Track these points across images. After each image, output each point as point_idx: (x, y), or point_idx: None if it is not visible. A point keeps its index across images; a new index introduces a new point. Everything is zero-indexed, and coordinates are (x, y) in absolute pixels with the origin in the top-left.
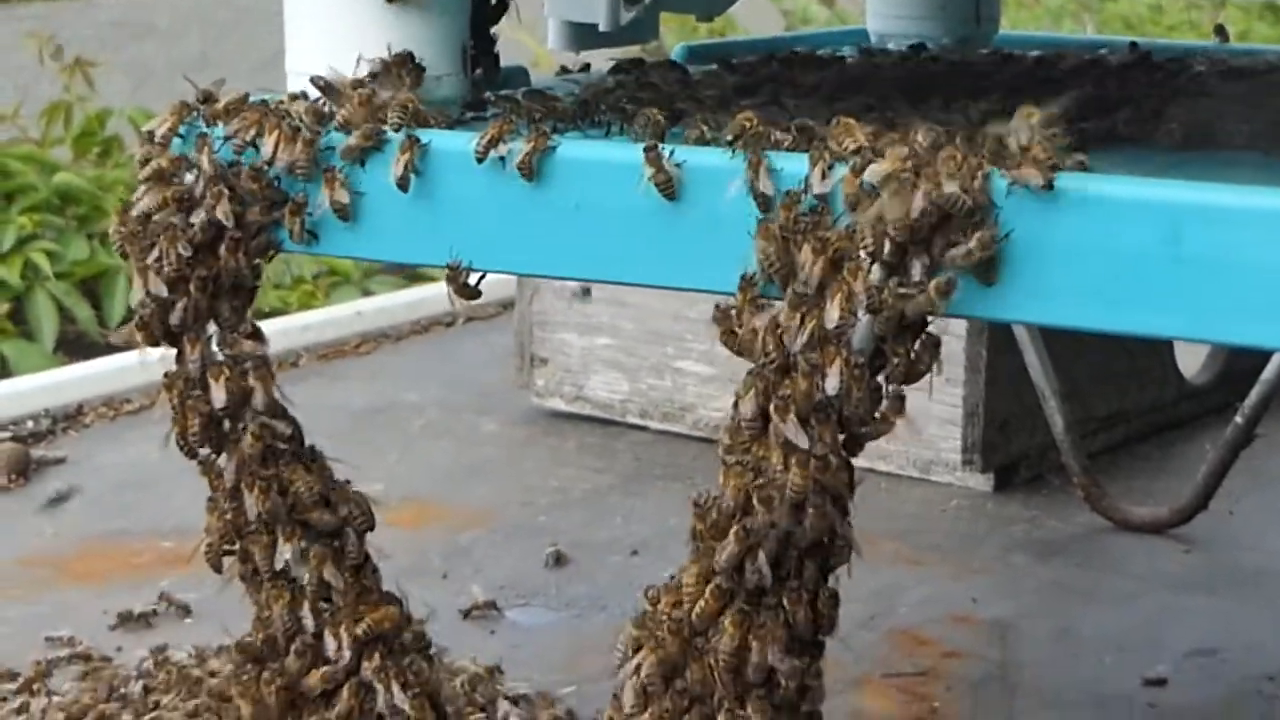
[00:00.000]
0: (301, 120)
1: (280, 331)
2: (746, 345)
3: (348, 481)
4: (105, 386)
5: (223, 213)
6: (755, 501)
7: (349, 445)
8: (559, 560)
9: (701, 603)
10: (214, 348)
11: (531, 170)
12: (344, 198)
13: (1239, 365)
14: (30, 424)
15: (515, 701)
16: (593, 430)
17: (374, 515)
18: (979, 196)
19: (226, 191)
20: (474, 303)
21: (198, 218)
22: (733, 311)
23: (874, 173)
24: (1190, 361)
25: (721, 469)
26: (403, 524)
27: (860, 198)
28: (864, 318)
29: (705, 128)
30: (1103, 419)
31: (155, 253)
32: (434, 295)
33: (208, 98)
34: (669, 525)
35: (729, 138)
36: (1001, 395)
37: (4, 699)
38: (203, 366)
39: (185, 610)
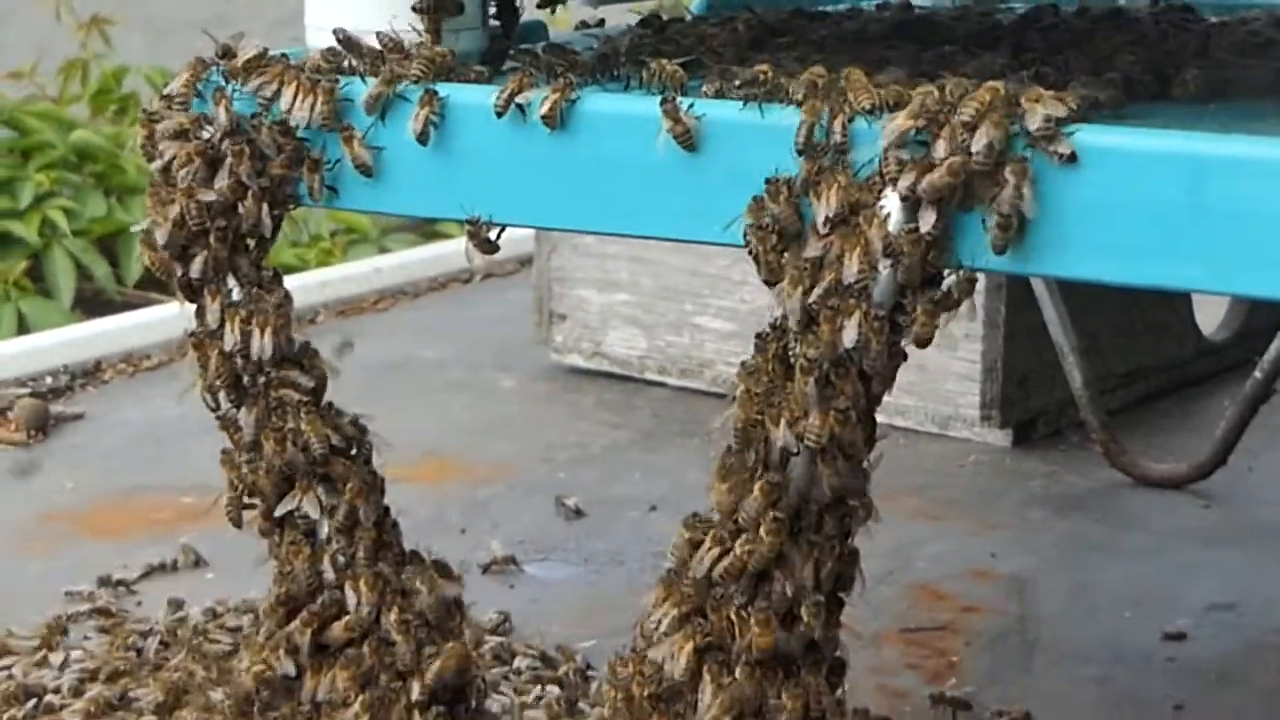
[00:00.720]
0: (321, 72)
1: (298, 288)
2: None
3: (363, 429)
4: (124, 342)
5: (245, 171)
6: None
7: (367, 401)
8: (578, 513)
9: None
10: (234, 297)
11: (556, 118)
12: (365, 155)
13: (1258, 321)
14: (49, 380)
15: (532, 655)
16: (611, 386)
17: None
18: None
19: (246, 148)
20: (492, 259)
21: (220, 175)
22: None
23: (893, 129)
24: (1209, 318)
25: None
26: (422, 479)
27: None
28: (885, 271)
29: (723, 81)
30: (1122, 375)
31: (175, 207)
32: (452, 252)
33: (226, 52)
34: (687, 481)
35: (743, 90)
36: (1020, 351)
37: (24, 653)
38: (223, 317)
39: (204, 564)
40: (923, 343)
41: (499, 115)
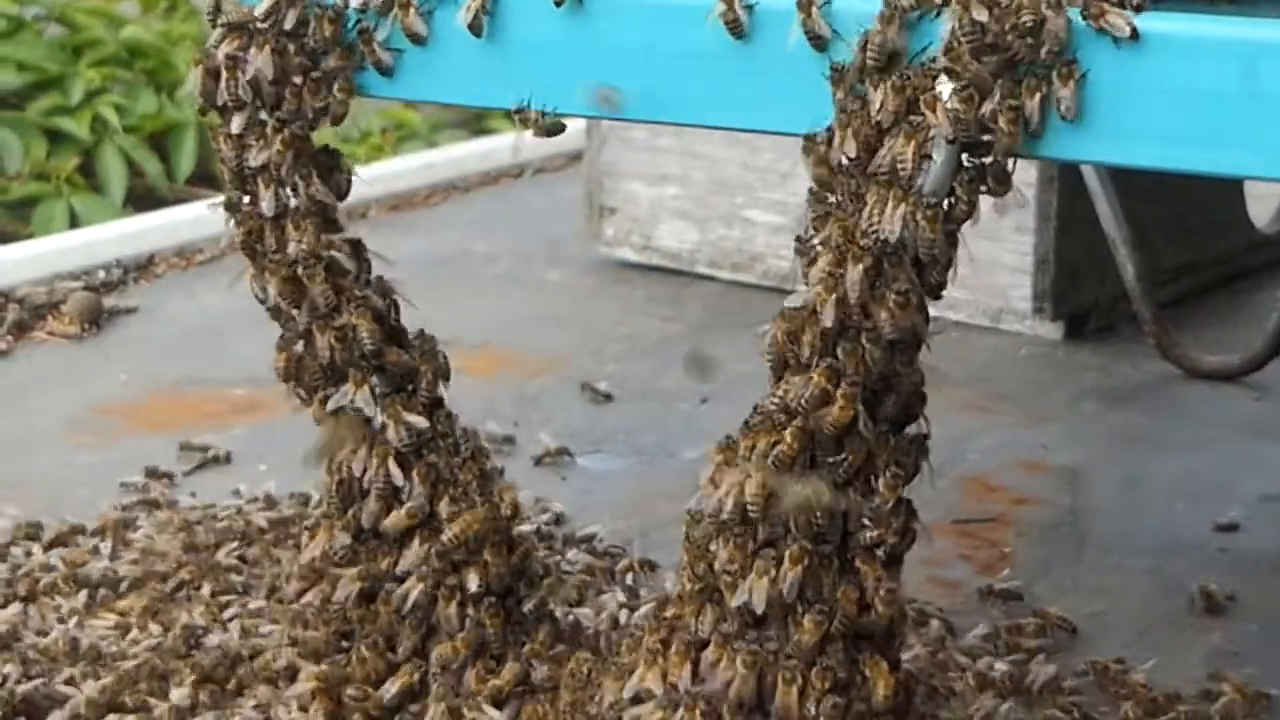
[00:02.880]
0: None
1: None
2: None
3: (421, 332)
4: (177, 236)
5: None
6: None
7: (419, 295)
8: (608, 398)
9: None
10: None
11: None
12: (418, 24)
13: None
14: (102, 274)
15: (582, 543)
16: (661, 280)
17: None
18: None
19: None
20: (542, 154)
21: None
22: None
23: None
24: (1261, 210)
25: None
26: (474, 372)
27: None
28: (938, 161)
29: None
30: (1173, 268)
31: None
32: (502, 146)
33: None
34: (739, 372)
35: None
36: (1072, 244)
37: (79, 542)
38: (278, 207)
39: (257, 457)
40: (959, 220)
41: (557, 4)
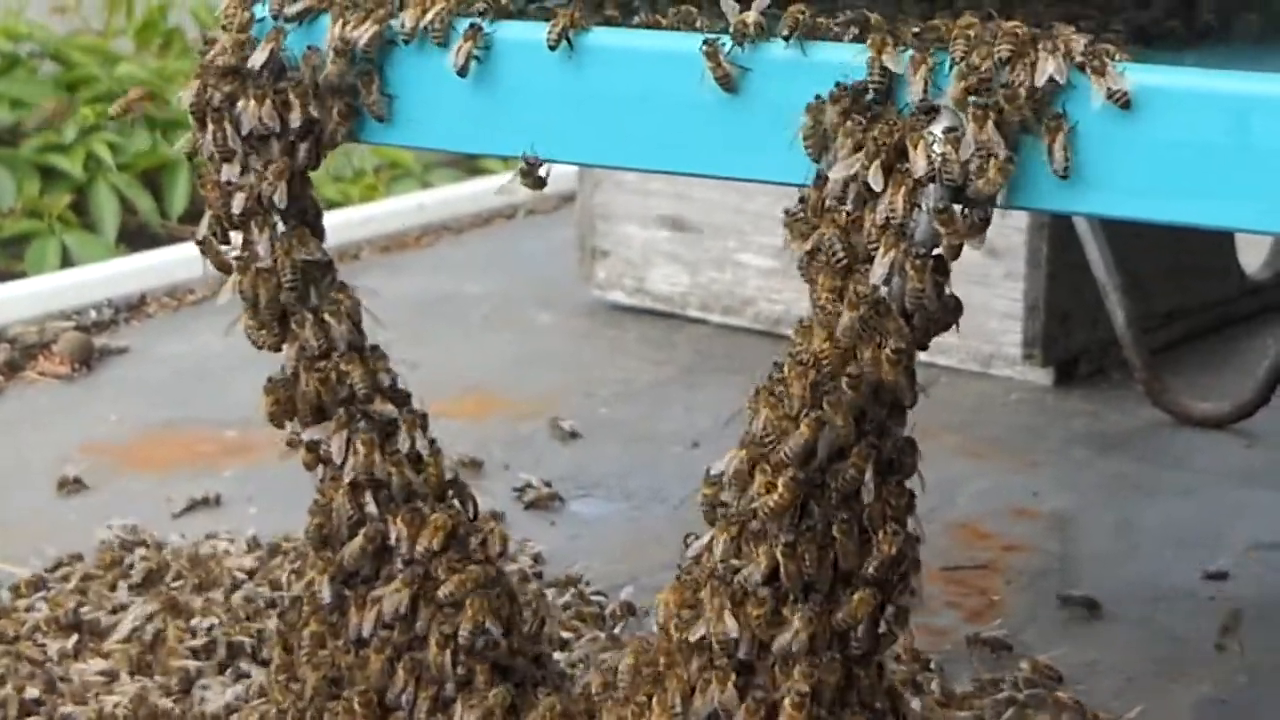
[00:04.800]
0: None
1: (342, 224)
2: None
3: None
4: (168, 277)
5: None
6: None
7: (410, 336)
8: (573, 436)
9: (777, 495)
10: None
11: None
12: (380, 105)
13: None
14: (94, 313)
15: (569, 586)
16: (653, 323)
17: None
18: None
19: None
20: (535, 195)
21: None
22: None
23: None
24: (1252, 257)
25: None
26: (465, 415)
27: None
28: (925, 213)
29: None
30: (1164, 314)
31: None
32: (495, 187)
33: None
34: (729, 417)
35: (784, 31)
36: (1063, 289)
37: (68, 583)
38: (271, 253)
39: (247, 499)
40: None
41: (552, 48)
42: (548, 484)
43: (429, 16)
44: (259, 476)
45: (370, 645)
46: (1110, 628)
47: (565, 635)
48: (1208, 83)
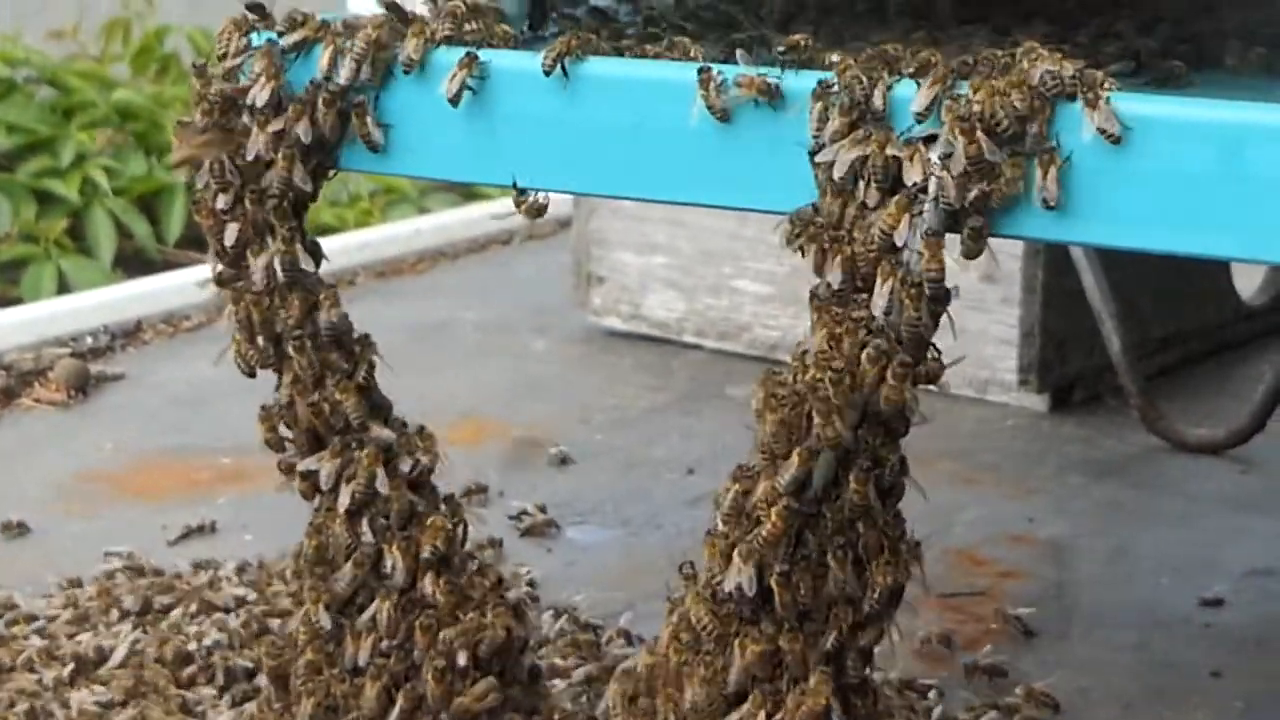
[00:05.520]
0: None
1: (338, 249)
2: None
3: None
4: (164, 303)
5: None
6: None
7: (406, 362)
8: (563, 462)
9: (769, 525)
10: (276, 264)
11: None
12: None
13: None
14: (90, 340)
15: (565, 614)
16: (649, 349)
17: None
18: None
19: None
20: (532, 220)
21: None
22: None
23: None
24: (1247, 283)
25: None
26: (460, 441)
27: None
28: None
29: (762, 48)
30: (1159, 340)
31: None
32: (491, 213)
33: (256, 8)
34: (725, 444)
35: (784, 58)
36: (1058, 315)
37: (62, 613)
38: (267, 281)
39: (244, 527)
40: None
41: (547, 73)
42: (543, 510)
43: (409, 49)
44: (254, 503)
45: (366, 673)
46: (1106, 655)
47: (561, 662)
48: (1199, 112)
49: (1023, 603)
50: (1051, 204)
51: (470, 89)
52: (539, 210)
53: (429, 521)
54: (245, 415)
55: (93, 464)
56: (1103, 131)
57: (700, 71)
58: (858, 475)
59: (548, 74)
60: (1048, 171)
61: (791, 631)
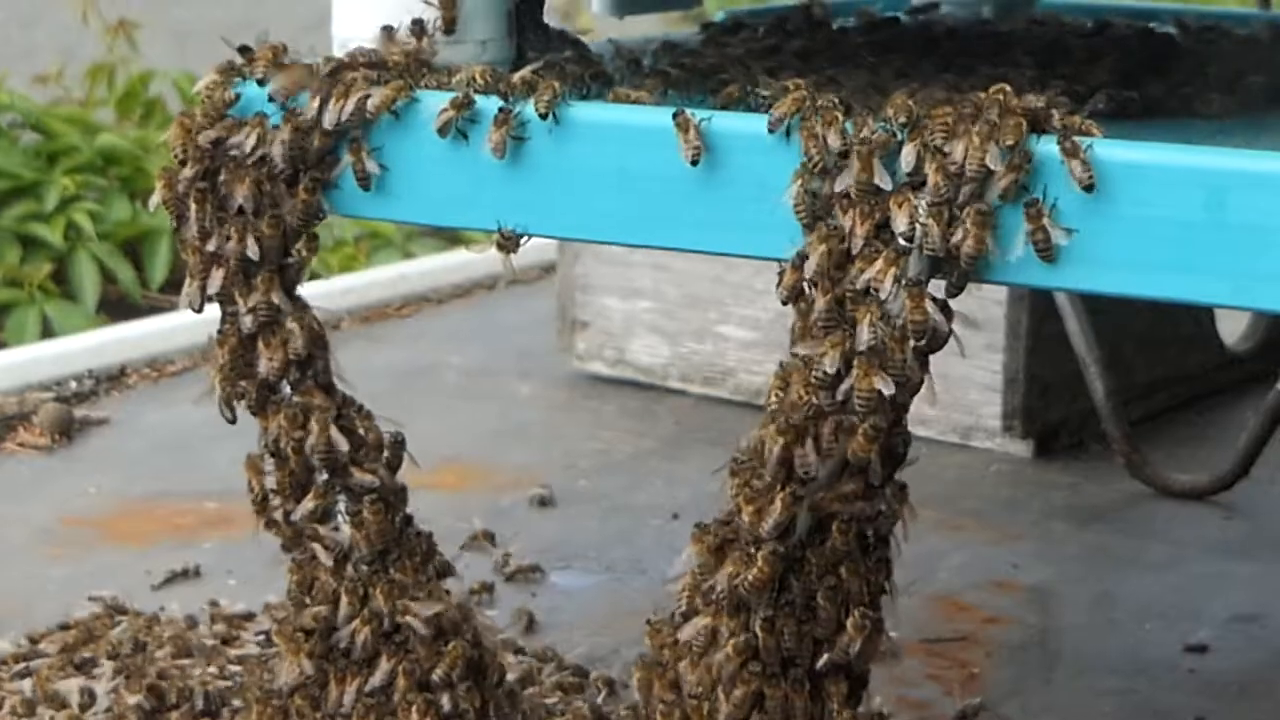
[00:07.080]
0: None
1: (322, 294)
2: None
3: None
4: (149, 348)
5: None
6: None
7: (391, 407)
8: (543, 504)
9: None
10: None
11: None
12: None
13: None
14: (74, 384)
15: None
16: (634, 394)
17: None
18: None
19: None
20: (515, 267)
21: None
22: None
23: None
24: (1231, 329)
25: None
26: (445, 486)
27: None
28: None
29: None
30: (1143, 386)
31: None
32: (476, 258)
33: (245, 51)
34: (710, 489)
35: (772, 103)
36: (1042, 361)
37: (47, 659)
38: (255, 326)
39: (228, 572)
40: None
41: (543, 117)
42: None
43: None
44: (239, 548)
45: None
46: (1091, 700)
47: (550, 702)
48: (1184, 158)
49: (1007, 649)
50: (1045, 258)
51: (462, 134)
52: (514, 242)
53: (449, 650)
54: (229, 460)
55: (77, 508)
56: (1079, 180)
57: (675, 114)
58: (839, 525)
59: (543, 117)
60: (1038, 225)
61: (773, 677)
